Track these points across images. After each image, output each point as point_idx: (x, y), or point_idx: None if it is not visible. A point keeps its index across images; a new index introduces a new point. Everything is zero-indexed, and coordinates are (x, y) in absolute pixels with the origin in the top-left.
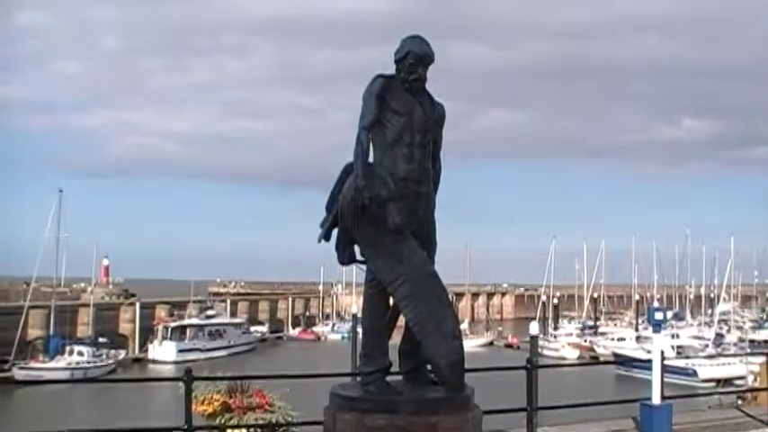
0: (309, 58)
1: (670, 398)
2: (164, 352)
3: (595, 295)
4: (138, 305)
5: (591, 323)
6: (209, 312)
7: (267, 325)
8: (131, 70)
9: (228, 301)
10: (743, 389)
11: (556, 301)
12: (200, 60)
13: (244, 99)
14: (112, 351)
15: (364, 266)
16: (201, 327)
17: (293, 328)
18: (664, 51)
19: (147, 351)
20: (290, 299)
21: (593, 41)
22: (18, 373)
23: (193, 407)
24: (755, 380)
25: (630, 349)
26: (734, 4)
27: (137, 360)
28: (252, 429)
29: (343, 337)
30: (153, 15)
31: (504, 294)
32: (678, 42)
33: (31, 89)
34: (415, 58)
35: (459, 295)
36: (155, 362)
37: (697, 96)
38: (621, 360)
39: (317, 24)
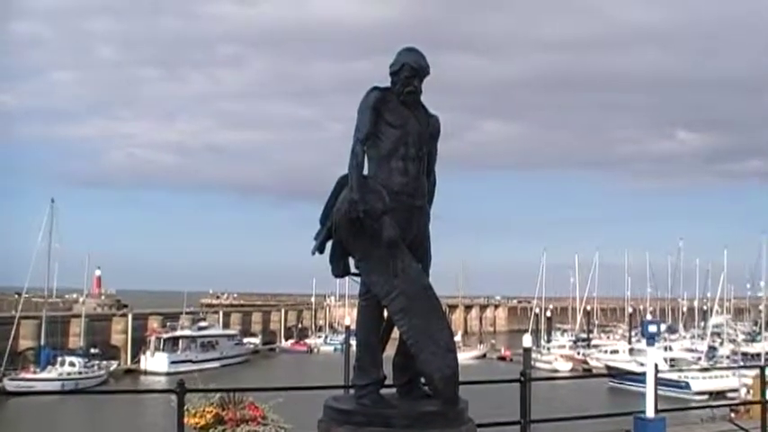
0: (305, 69)
1: (663, 411)
2: (156, 363)
3: (588, 308)
4: (130, 316)
5: (584, 336)
6: (202, 324)
7: (260, 337)
8: (127, 80)
9: (221, 313)
10: (736, 402)
11: (549, 313)
12: (196, 71)
13: (239, 110)
14: (104, 362)
15: (358, 279)
16: (194, 338)
17: (286, 339)
18: (659, 64)
19: (139, 362)
20: (283, 311)
21: (590, 54)
22: (9, 384)
23: (185, 419)
24: (748, 393)
25: (623, 362)
26: (729, 17)
27: (129, 371)
28: None
29: (335, 349)
30: (148, 26)
31: (497, 307)
32: (673, 55)
33: (25, 98)
34: (411, 70)
35: (453, 307)
36: (147, 373)
37: (692, 109)
38: (614, 373)
39: (312, 36)
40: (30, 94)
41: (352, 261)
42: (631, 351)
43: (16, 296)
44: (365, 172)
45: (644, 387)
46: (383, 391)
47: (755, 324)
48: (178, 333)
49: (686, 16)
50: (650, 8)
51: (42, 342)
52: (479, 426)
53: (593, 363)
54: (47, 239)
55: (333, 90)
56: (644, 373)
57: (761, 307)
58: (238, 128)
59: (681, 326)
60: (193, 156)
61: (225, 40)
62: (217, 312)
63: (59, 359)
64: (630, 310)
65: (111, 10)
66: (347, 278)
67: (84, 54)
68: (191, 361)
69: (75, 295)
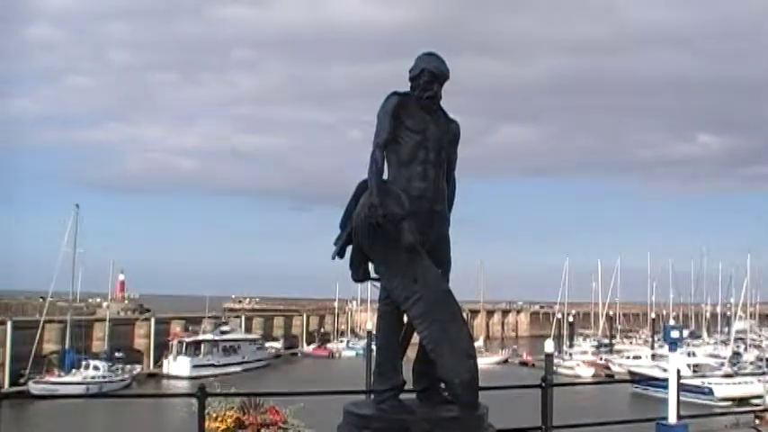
0: (323, 73)
1: (686, 417)
2: (178, 367)
3: (611, 313)
4: (153, 320)
5: (606, 341)
6: (224, 328)
7: (282, 341)
8: (144, 85)
9: (243, 317)
10: (760, 408)
11: (571, 318)
12: (212, 75)
13: (257, 114)
14: (127, 366)
15: (378, 284)
16: (216, 342)
17: (308, 344)
18: (680, 67)
19: (161, 366)
20: (305, 315)
21: (610, 57)
22: (34, 387)
23: (206, 423)
24: None
25: (646, 367)
26: (750, 18)
27: (151, 375)
28: None
29: (357, 354)
30: (164, 30)
31: (519, 312)
32: (694, 57)
33: (43, 103)
34: (430, 75)
35: (474, 312)
36: (169, 377)
37: (713, 112)
38: (637, 378)
39: (330, 39)
40: (47, 99)
41: (372, 266)
42: (654, 356)
43: (41, 300)
44: (385, 177)
45: (667, 393)
46: (403, 396)
47: None
48: (200, 337)
49: (706, 18)
50: (669, 9)
51: (67, 346)
52: (500, 431)
53: (615, 368)
54: (71, 244)
55: (350, 94)
56: (667, 379)
57: None
58: (256, 132)
59: (704, 331)
60: (212, 160)
61: (240, 44)
62: (239, 317)
63: (84, 363)
64: (653, 315)
65: (125, 14)
66: (369, 283)
67: (100, 59)
68: (213, 365)
69: (98, 299)
